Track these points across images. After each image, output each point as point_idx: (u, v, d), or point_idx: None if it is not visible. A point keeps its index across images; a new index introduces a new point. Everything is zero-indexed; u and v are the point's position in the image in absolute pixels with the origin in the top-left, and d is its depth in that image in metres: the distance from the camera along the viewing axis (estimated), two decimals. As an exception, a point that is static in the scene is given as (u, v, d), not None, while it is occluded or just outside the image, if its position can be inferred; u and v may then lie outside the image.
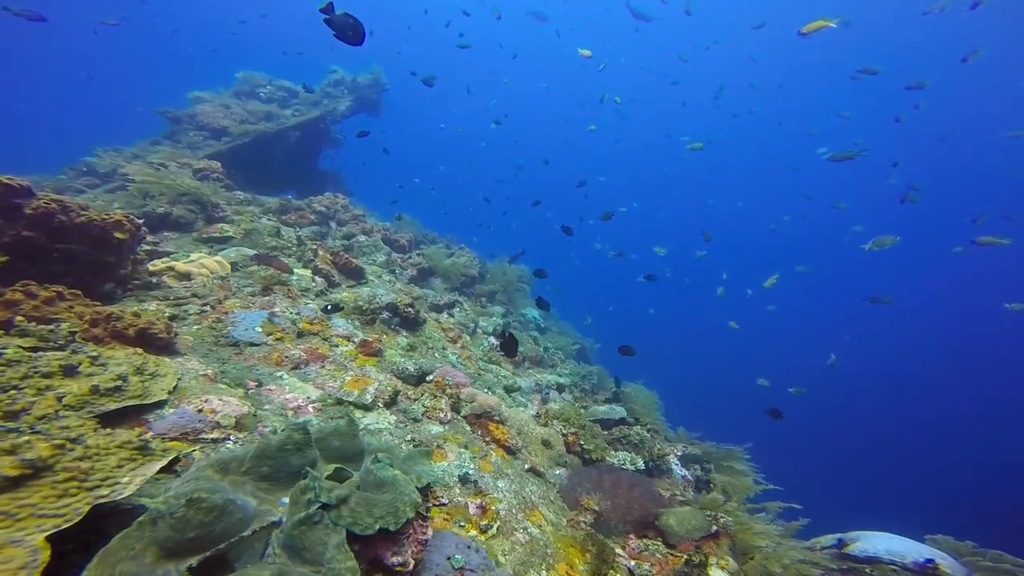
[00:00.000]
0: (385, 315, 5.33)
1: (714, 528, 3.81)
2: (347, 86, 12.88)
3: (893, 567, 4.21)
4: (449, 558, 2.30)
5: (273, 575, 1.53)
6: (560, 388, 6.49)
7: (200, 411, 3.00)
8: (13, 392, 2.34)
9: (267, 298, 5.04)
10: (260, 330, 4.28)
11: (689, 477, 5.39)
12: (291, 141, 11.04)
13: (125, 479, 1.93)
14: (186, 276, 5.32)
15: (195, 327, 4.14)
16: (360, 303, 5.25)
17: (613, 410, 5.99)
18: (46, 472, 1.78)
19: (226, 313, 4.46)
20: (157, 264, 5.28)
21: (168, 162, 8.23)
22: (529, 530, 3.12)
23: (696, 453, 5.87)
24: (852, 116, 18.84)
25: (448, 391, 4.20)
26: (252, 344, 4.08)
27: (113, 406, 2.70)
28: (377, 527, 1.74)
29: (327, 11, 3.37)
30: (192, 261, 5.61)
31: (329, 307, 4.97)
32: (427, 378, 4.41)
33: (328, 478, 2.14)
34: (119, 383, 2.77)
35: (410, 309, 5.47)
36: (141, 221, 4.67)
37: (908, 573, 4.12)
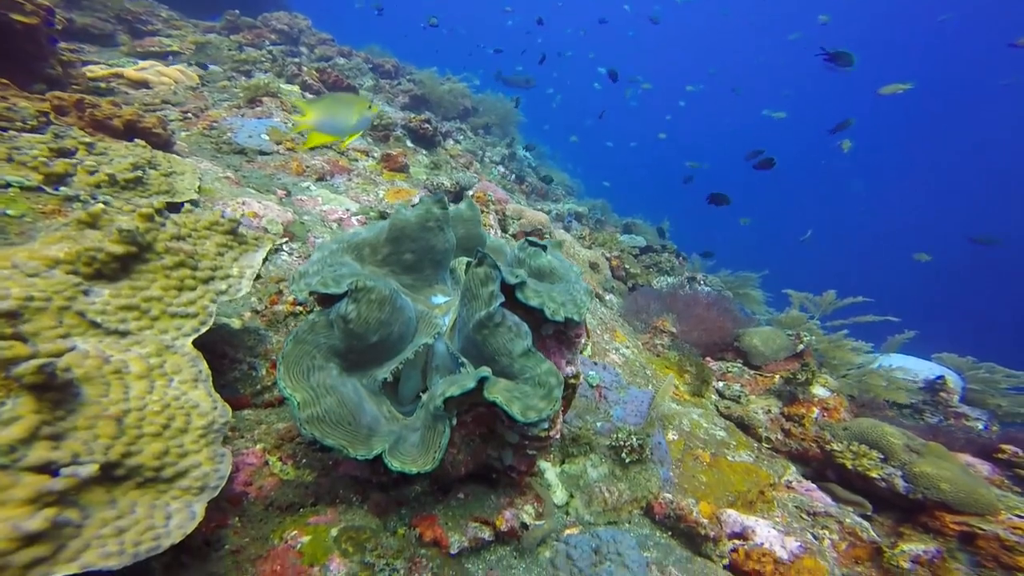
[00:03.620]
0: (399, 131, 4.64)
1: (800, 347, 3.61)
2: None
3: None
4: (586, 377, 2.18)
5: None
6: (579, 216, 6.28)
7: (242, 215, 2.55)
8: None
9: (258, 108, 4.20)
10: (267, 137, 3.60)
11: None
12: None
13: (235, 271, 1.57)
14: (143, 85, 4.30)
15: (184, 133, 3.41)
16: (368, 117, 4.49)
17: (634, 239, 5.92)
18: (150, 255, 1.38)
19: (216, 121, 3.69)
20: (96, 70, 4.18)
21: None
22: (620, 351, 3.08)
23: (714, 280, 6.05)
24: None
25: (494, 206, 3.85)
26: (263, 152, 3.45)
27: (141, 202, 2.21)
28: (563, 314, 1.45)
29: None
30: (144, 68, 4.50)
31: None
32: (466, 193, 4.00)
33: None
34: (138, 174, 2.22)
35: (427, 125, 4.78)
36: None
37: (921, 391, 4.47)
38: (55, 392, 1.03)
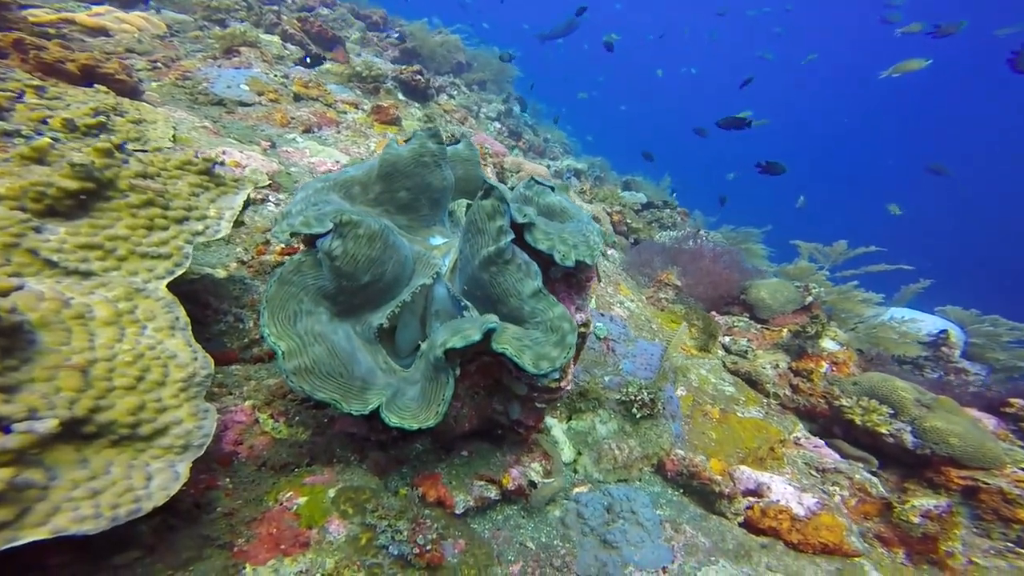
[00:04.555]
0: (390, 83, 4.37)
1: (808, 299, 3.50)
2: None
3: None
4: (594, 328, 2.07)
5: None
6: (578, 173, 6.08)
7: (222, 164, 2.37)
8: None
9: (236, 59, 3.91)
10: (247, 88, 3.35)
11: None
12: None
13: (212, 212, 1.41)
14: (101, 32, 3.97)
15: (154, 84, 3.16)
16: (358, 69, 4.22)
17: (635, 195, 5.74)
18: (112, 192, 1.22)
19: (189, 71, 3.42)
20: (40, 15, 3.83)
21: None
22: (625, 304, 2.97)
23: (716, 236, 5.92)
24: None
25: (491, 159, 3.66)
26: (243, 103, 3.21)
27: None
28: (574, 257, 1.31)
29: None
30: (100, 14, 4.15)
31: (308, 58, 3.97)
32: (465, 133, 3.79)
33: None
34: (101, 119, 2.02)
35: (419, 77, 4.50)
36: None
37: (923, 346, 4.38)
38: (2, 338, 0.90)
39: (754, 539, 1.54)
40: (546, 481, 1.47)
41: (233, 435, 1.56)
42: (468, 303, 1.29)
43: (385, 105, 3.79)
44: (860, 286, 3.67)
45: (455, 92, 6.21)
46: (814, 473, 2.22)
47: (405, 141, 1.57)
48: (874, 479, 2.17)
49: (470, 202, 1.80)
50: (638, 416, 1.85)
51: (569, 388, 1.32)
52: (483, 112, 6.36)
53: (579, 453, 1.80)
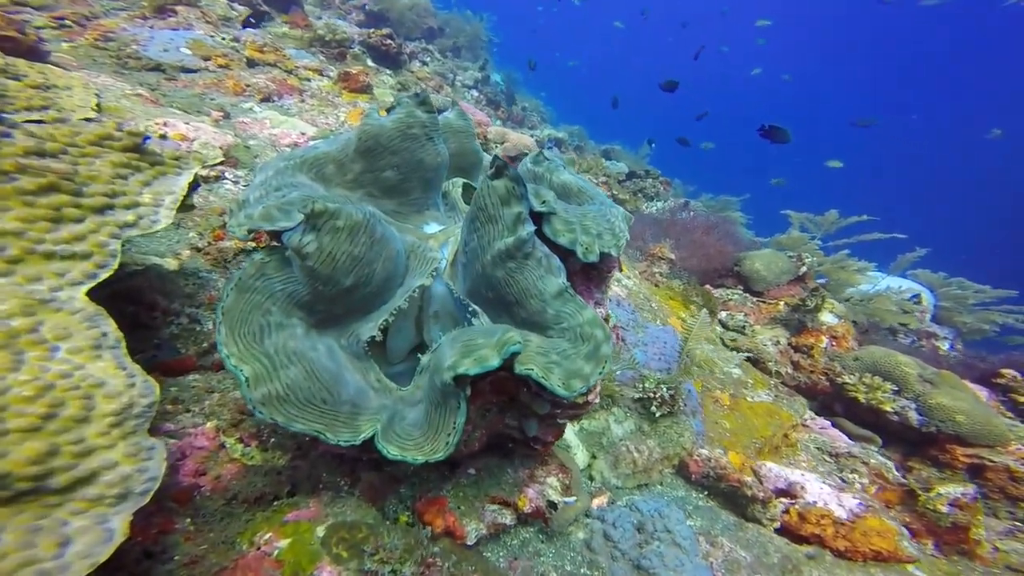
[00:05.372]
0: (356, 48, 3.95)
1: (802, 269, 3.42)
2: None
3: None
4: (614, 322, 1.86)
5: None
6: (559, 143, 5.82)
7: (163, 137, 2.01)
8: None
9: (172, 19, 3.41)
10: (189, 51, 2.92)
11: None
12: None
13: (146, 198, 1.11)
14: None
15: (65, 44, 2.70)
16: (320, 32, 3.78)
17: (616, 164, 5.54)
18: None
19: (112, 31, 2.95)
20: None
21: None
22: (622, 282, 2.77)
23: (697, 205, 5.80)
24: None
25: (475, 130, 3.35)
26: (187, 69, 2.79)
27: None
28: (598, 250, 1.09)
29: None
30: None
31: (251, 17, 3.53)
32: (454, 101, 3.47)
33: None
34: None
35: (389, 41, 4.09)
36: None
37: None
38: None
39: (798, 549, 1.42)
40: (567, 501, 1.29)
41: (193, 464, 1.31)
42: (476, 307, 1.06)
43: (354, 72, 3.41)
44: (852, 255, 3.63)
45: (428, 59, 5.77)
46: (828, 459, 2.13)
47: (387, 111, 1.29)
48: (888, 463, 2.10)
49: (466, 181, 1.55)
50: (657, 415, 1.69)
51: (597, 401, 1.12)
52: (459, 80, 5.96)
53: (593, 457, 1.64)
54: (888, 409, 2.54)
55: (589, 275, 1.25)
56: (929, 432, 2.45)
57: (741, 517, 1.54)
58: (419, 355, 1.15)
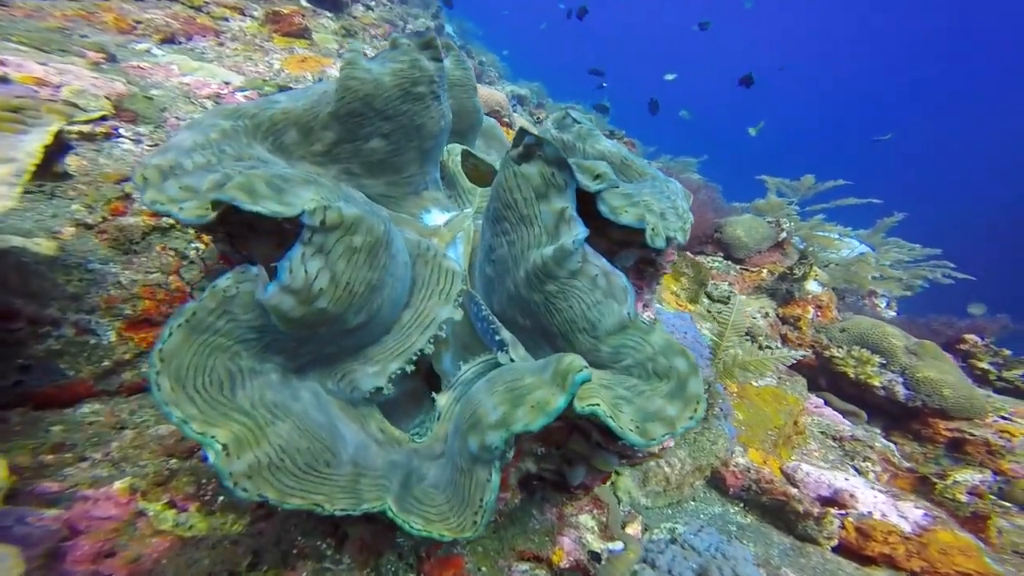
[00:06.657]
0: (287, -19, 3.28)
1: (782, 235, 3.38)
2: None
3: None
4: None
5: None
6: (521, 100, 5.45)
7: (4, 79, 1.46)
8: None
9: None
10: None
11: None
12: None
13: None
14: None
15: None
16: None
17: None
18: None
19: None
20: None
21: None
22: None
23: (657, 164, 5.68)
24: None
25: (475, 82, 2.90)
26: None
27: None
28: (664, 234, 0.79)
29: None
30: None
31: None
32: (445, 42, 2.98)
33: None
34: None
35: (327, -27, 3.44)
36: None
37: None
38: None
39: (871, 574, 1.28)
40: (613, 549, 1.05)
41: (91, 546, 0.94)
42: (505, 337, 0.75)
43: (285, 12, 2.81)
44: (828, 220, 3.64)
45: (373, 3, 5.06)
46: (833, 443, 2.07)
47: (373, 57, 0.91)
48: (891, 445, 2.06)
49: (466, 148, 1.19)
50: (686, 421, 1.49)
51: (671, 444, 0.87)
52: (410, 28, 5.30)
53: (617, 473, 1.41)
54: (876, 384, 2.53)
55: (642, 272, 0.97)
56: (915, 406, 2.46)
57: (789, 533, 1.39)
58: (432, 394, 0.84)
